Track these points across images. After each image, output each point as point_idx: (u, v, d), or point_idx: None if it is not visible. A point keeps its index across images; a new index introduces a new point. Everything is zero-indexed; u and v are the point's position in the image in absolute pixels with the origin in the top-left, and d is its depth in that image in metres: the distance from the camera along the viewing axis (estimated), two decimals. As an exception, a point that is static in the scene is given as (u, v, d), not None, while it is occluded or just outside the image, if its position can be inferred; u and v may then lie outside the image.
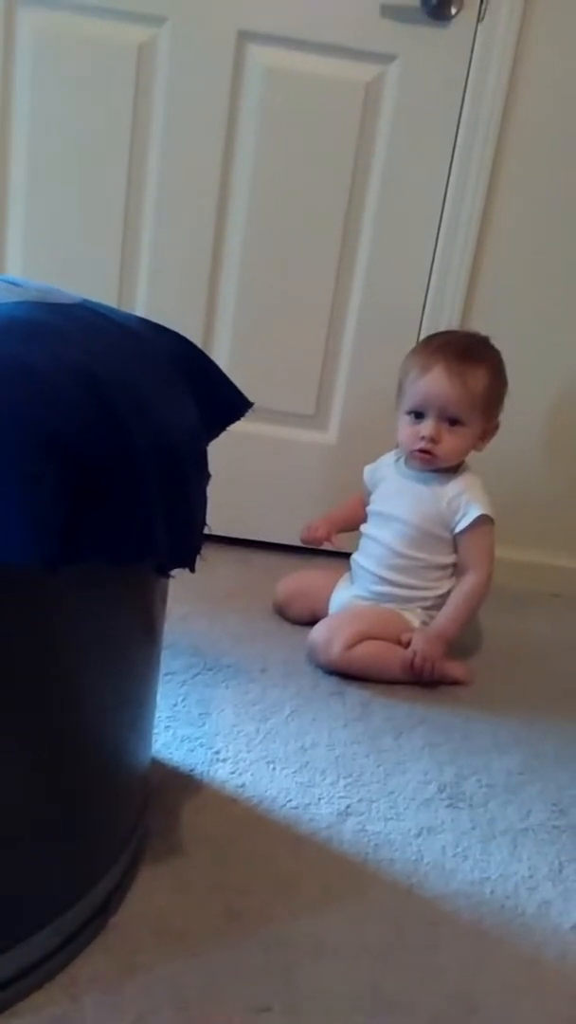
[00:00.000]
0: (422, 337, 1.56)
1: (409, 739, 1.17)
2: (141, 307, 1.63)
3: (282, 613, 1.48)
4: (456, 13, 1.48)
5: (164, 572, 0.65)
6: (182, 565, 0.69)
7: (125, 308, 1.64)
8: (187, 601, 1.44)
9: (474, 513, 1.32)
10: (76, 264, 1.61)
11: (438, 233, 1.60)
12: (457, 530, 1.34)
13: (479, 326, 1.51)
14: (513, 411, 1.41)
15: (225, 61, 1.53)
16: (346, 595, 1.41)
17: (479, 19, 1.49)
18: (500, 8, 1.48)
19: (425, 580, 1.36)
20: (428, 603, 1.36)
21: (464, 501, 1.33)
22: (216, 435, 0.86)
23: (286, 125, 1.56)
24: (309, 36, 1.52)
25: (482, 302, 1.64)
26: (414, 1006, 0.76)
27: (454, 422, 1.32)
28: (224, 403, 0.85)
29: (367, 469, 1.48)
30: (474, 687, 1.34)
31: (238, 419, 0.87)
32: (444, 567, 1.36)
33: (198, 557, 0.72)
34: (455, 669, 1.34)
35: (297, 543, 1.55)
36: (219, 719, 1.15)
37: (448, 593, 1.35)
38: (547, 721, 1.27)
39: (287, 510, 1.74)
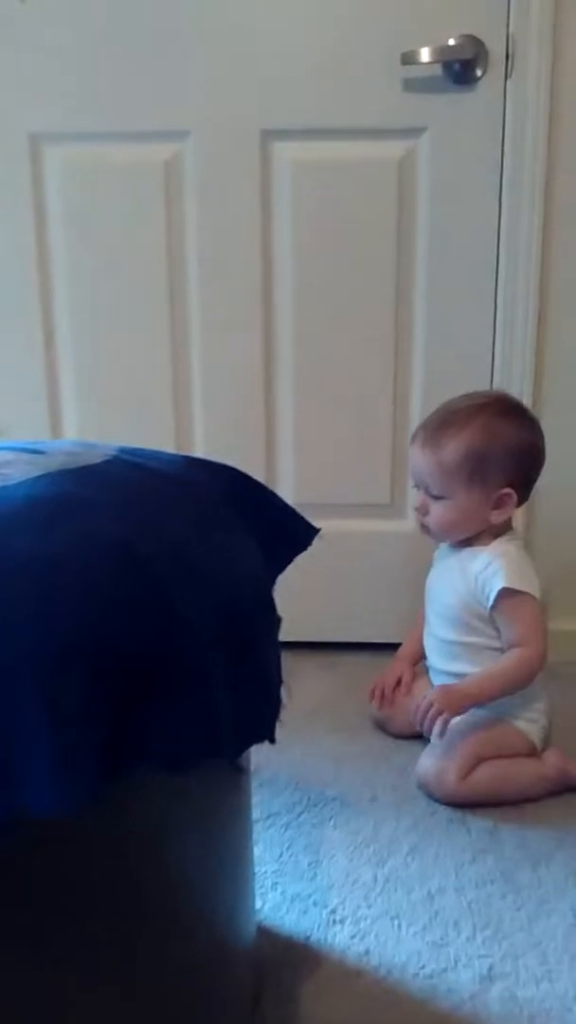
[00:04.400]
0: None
1: (549, 869, 1.02)
2: (199, 422, 1.58)
3: (383, 728, 1.36)
4: (482, 75, 1.42)
5: (235, 763, 0.56)
6: (258, 741, 0.60)
7: (184, 422, 1.60)
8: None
9: (496, 586, 1.17)
10: (130, 393, 1.59)
11: (495, 302, 1.51)
12: (489, 609, 1.19)
13: (552, 394, 1.40)
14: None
15: (252, 163, 1.49)
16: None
17: (507, 76, 1.43)
18: (528, 60, 1.41)
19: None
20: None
21: (489, 574, 1.18)
22: (282, 569, 0.77)
23: (322, 216, 1.51)
24: (333, 123, 1.48)
25: (552, 367, 1.53)
26: None
27: (437, 494, 1.21)
28: (288, 535, 0.77)
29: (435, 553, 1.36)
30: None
31: (304, 549, 0.78)
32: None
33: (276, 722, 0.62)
34: (585, 772, 1.18)
35: (386, 640, 1.42)
36: (331, 867, 1.03)
37: None
38: None
39: (372, 605, 1.64)
